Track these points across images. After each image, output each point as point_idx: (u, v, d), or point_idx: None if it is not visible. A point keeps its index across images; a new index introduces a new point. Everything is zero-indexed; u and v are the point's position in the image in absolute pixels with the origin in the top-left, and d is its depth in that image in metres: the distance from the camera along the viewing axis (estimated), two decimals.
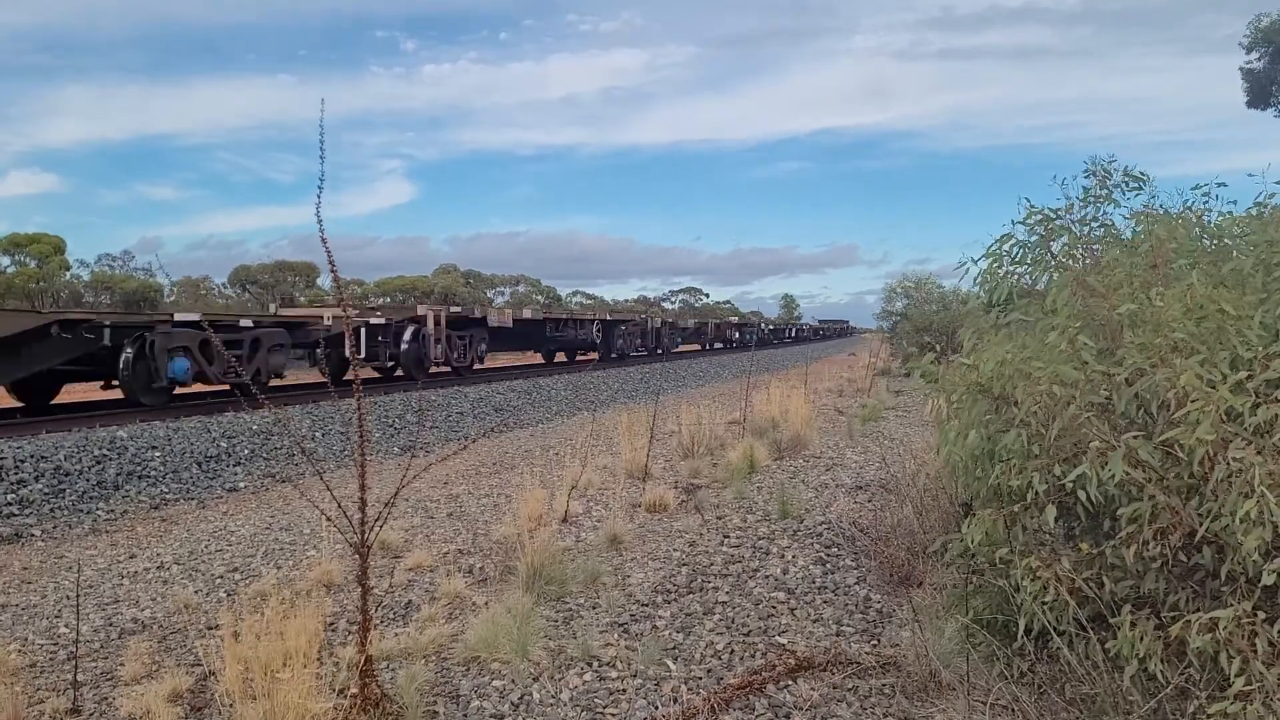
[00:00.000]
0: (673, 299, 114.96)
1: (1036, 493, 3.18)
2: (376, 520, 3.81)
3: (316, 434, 13.06)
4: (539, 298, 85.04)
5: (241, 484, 10.65)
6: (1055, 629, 3.30)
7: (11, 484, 8.96)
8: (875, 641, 4.55)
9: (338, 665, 4.36)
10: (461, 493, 9.55)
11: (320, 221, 3.16)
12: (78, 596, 4.40)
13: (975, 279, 4.16)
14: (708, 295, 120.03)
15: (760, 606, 5.09)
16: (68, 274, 54.84)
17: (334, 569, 6.22)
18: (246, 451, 11.58)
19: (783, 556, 6.09)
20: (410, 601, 5.64)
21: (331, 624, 5.18)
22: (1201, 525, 2.67)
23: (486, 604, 5.29)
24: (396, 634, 4.91)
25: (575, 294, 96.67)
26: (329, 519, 3.77)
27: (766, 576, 5.66)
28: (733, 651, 4.46)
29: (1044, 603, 3.21)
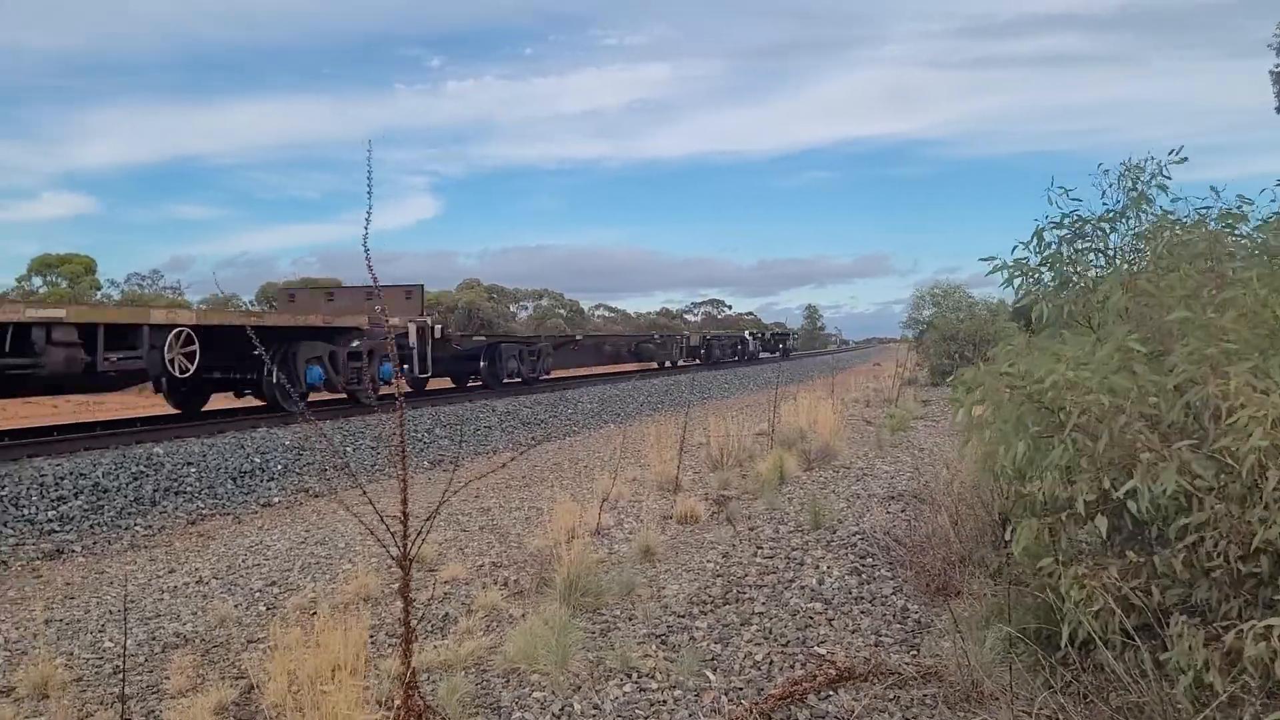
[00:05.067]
0: (695, 311, 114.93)
1: (1084, 503, 3.17)
2: (418, 534, 3.84)
3: (347, 448, 13.16)
4: (561, 311, 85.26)
5: (276, 498, 10.74)
6: (1101, 638, 3.28)
7: (52, 500, 9.09)
8: (915, 651, 4.54)
9: (379, 677, 4.40)
10: (492, 506, 9.59)
11: (368, 252, 3.20)
12: (124, 611, 4.46)
13: (1016, 287, 4.15)
14: (730, 307, 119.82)
15: (797, 617, 5.08)
16: (98, 293, 55.55)
17: (371, 582, 6.27)
18: (280, 466, 11.69)
19: (817, 567, 6.08)
20: (448, 614, 5.67)
21: (371, 637, 5.21)
22: (1258, 533, 2.66)
23: (523, 616, 5.32)
24: (435, 646, 4.94)
25: (598, 307, 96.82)
26: (372, 532, 3.80)
27: (802, 587, 5.65)
28: (772, 662, 4.45)
29: (1090, 612, 3.19)
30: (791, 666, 4.38)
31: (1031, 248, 4.12)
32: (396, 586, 6.43)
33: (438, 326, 19.49)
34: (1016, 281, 4.17)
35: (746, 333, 53.06)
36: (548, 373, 25.91)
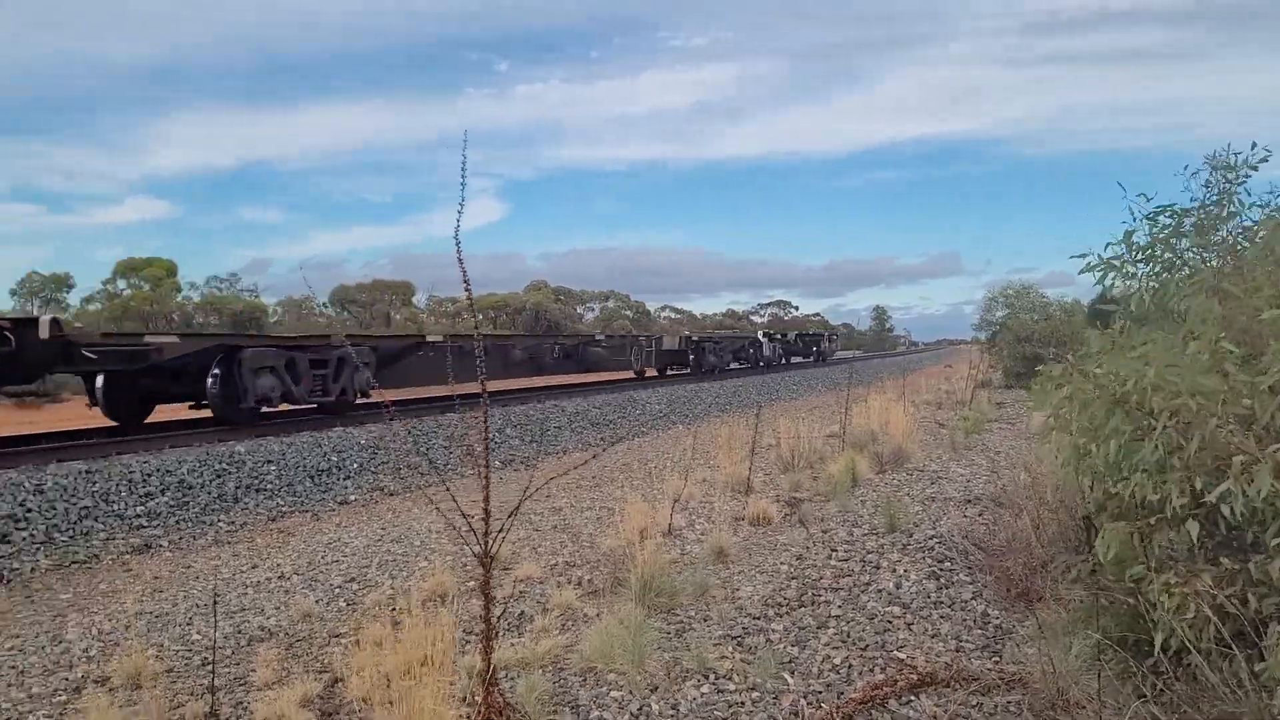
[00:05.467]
0: (761, 312, 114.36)
1: (1174, 507, 3.09)
2: (499, 532, 3.89)
3: (420, 448, 13.35)
4: (627, 313, 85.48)
5: (352, 497, 10.95)
6: (1195, 646, 3.19)
7: (140, 496, 9.38)
8: (997, 658, 4.46)
9: (458, 673, 4.46)
10: (563, 505, 9.65)
11: (462, 264, 3.24)
12: (214, 606, 4.58)
13: (1108, 285, 4.05)
14: (797, 308, 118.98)
15: (875, 621, 5.03)
16: (179, 296, 57.11)
17: (447, 580, 6.35)
18: (355, 465, 11.91)
19: (894, 571, 6.01)
20: (523, 612, 5.72)
21: (444, 635, 5.28)
22: None
23: (598, 615, 5.35)
24: (513, 644, 4.99)
25: (664, 309, 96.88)
26: (455, 529, 3.85)
27: (879, 591, 5.59)
28: (850, 666, 4.42)
29: (1184, 620, 3.10)
30: (871, 670, 4.34)
31: (1123, 246, 4.02)
32: (472, 584, 6.55)
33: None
34: (1109, 279, 4.07)
35: (760, 333, 42.20)
36: (364, 395, 16.26)
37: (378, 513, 10.27)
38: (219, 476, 10.32)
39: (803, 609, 5.35)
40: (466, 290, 3.41)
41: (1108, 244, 4.13)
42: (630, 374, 30.27)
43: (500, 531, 3.99)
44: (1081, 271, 4.09)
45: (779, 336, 43.27)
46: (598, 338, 29.15)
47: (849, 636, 4.82)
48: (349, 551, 8.06)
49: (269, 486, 10.59)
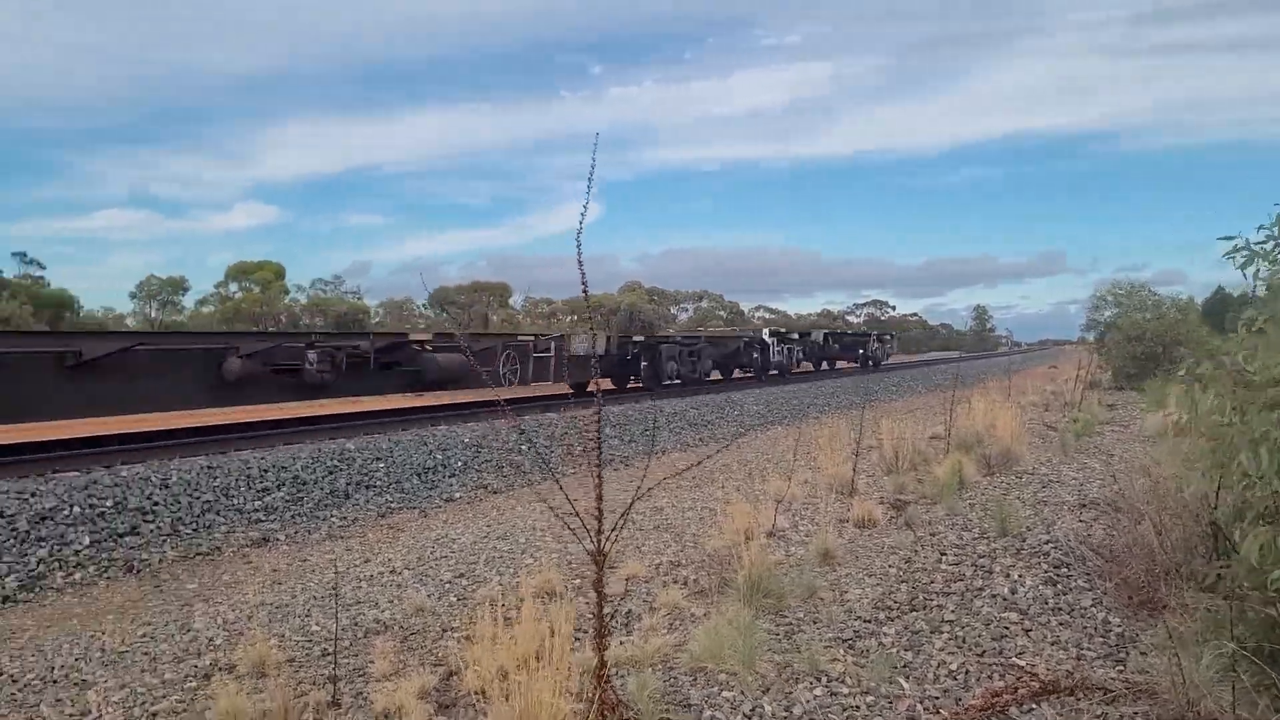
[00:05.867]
0: (857, 312, 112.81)
1: None
2: (613, 529, 3.92)
3: (522, 446, 13.55)
4: (721, 313, 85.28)
5: (458, 494, 11.18)
6: None
7: (257, 491, 9.74)
8: (1121, 666, 4.32)
9: (570, 670, 4.51)
10: (664, 505, 9.68)
11: (581, 262, 3.27)
12: (336, 600, 4.73)
13: (1253, 273, 3.88)
14: (894, 308, 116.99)
15: (991, 626, 4.92)
16: (287, 298, 59.00)
17: (554, 577, 6.43)
18: (460, 463, 12.16)
19: (1008, 575, 5.87)
20: (630, 611, 5.76)
21: (559, 630, 5.35)
22: None
23: (705, 615, 5.36)
24: (621, 642, 5.03)
25: (758, 309, 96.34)
26: (569, 527, 3.91)
27: (993, 596, 5.47)
28: (968, 672, 4.33)
29: None
30: (989, 677, 4.24)
31: (1276, 229, 3.83)
32: (578, 582, 6.62)
33: None
34: (1254, 267, 3.90)
35: (765, 332, 31.36)
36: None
37: (482, 510, 10.46)
38: (330, 473, 10.65)
39: (914, 613, 5.27)
40: (584, 290, 3.45)
41: (1259, 227, 3.94)
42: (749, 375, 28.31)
43: (614, 530, 4.03)
44: (1225, 255, 3.92)
45: (797, 336, 34.08)
46: (460, 341, 17.15)
47: (964, 642, 4.72)
48: (457, 548, 8.22)
49: (378, 483, 10.89)
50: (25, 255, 43.49)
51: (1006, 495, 8.68)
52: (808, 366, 35.17)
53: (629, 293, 74.90)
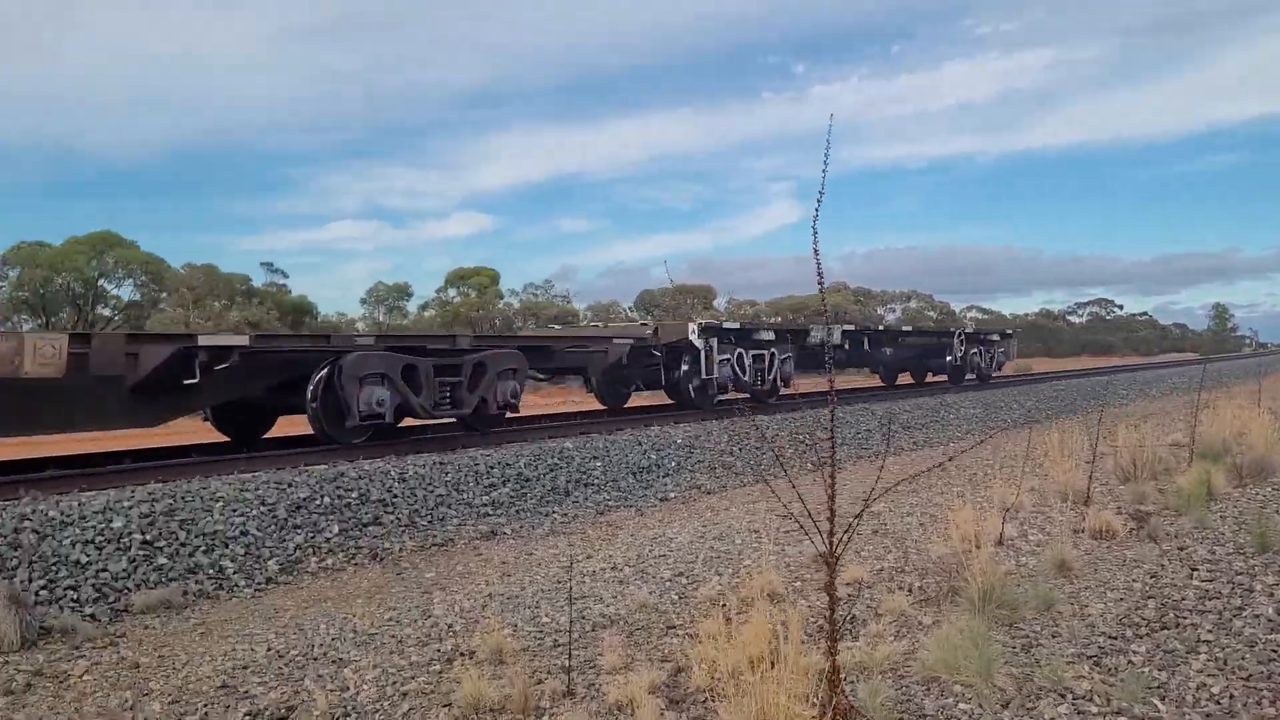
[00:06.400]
0: (1080, 312, 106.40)
1: None
2: (844, 533, 3.89)
3: (735, 448, 13.61)
4: (931, 314, 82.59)
5: (672, 494, 11.37)
6: None
7: (484, 487, 10.24)
8: None
9: (796, 672, 4.50)
10: (882, 510, 9.47)
11: (818, 257, 3.28)
12: (569, 591, 4.93)
13: None
14: (1121, 307, 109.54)
15: (1256, 649, 4.54)
16: (501, 302, 61.66)
17: (775, 579, 6.42)
18: (673, 463, 12.36)
19: (1272, 595, 5.40)
20: (854, 616, 5.68)
21: (783, 632, 5.35)
22: None
23: (935, 624, 5.21)
24: (848, 648, 4.96)
25: (970, 308, 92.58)
26: (801, 527, 3.91)
27: (1256, 616, 5.04)
28: (1232, 696, 4.01)
29: None
30: (1258, 703, 3.92)
31: None
32: (799, 585, 6.59)
33: None
34: None
35: (692, 328, 15.94)
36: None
37: (696, 510, 10.58)
38: (551, 471, 11.07)
39: (1165, 631, 4.93)
40: (819, 282, 3.44)
41: None
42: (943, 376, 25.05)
43: (846, 533, 4.00)
44: None
45: (771, 337, 18.21)
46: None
47: (1226, 664, 4.38)
48: (674, 547, 8.35)
49: (595, 481, 11.22)
50: (271, 265, 47.34)
51: (1264, 509, 7.99)
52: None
53: (834, 293, 73.75)
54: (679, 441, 13.17)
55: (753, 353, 17.31)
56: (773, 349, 17.82)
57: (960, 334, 25.62)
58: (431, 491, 9.87)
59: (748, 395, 17.73)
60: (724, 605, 6.03)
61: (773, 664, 4.15)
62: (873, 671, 4.60)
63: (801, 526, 3.89)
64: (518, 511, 10.03)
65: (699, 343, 15.80)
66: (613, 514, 10.39)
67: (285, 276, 47.47)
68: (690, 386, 16.05)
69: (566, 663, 4.96)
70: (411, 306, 60.15)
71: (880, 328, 24.48)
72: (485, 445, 11.87)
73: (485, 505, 9.96)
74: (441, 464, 10.48)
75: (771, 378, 17.77)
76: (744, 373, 16.99)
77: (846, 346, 20.59)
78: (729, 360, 16.46)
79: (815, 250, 3.39)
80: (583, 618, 6.16)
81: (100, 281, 39.40)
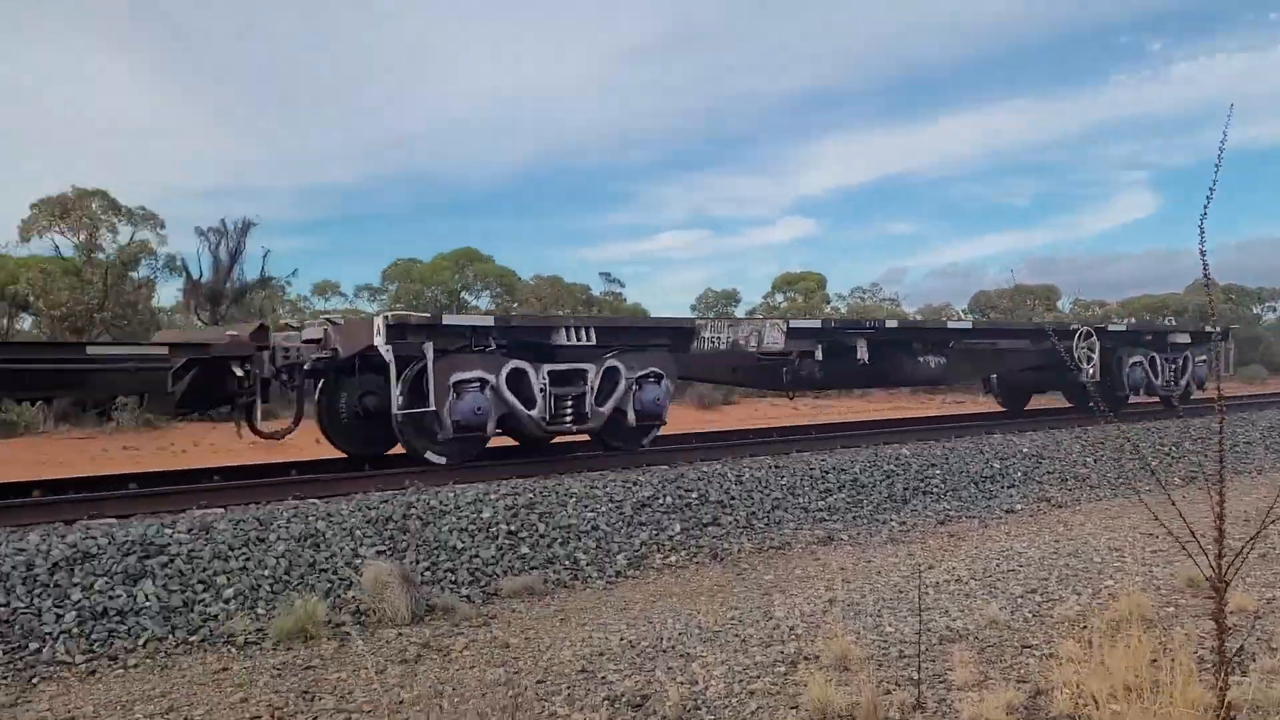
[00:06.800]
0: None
1: None
2: (1238, 554, 3.51)
3: (1088, 458, 12.67)
4: None
5: (1018, 506, 10.78)
6: None
7: (820, 492, 10.24)
8: None
9: (1178, 705, 4.11)
10: (1272, 533, 8.41)
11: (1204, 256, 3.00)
12: (919, 602, 4.81)
13: None
14: None
15: None
16: (828, 306, 61.26)
17: (1144, 601, 5.91)
18: (1019, 474, 11.71)
19: None
20: (1242, 647, 5.09)
21: (1153, 660, 4.91)
22: None
23: None
24: (1237, 683, 4.46)
25: None
26: (1181, 545, 3.57)
27: None
28: None
29: None
30: None
31: None
32: (1171, 610, 6.03)
33: None
34: None
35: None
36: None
37: (1046, 524, 9.95)
38: (888, 477, 10.85)
39: None
40: (1206, 279, 3.13)
41: None
42: None
43: (1238, 556, 3.61)
44: None
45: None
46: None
47: None
48: (1023, 562, 7.92)
49: (934, 490, 10.87)
50: (609, 275, 49.85)
51: None
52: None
53: (1198, 292, 66.33)
54: (1025, 450, 12.44)
55: (1162, 356, 16.57)
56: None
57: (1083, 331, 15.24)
58: (767, 494, 10.01)
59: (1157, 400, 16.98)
60: (1083, 626, 5.64)
61: (1150, 694, 3.83)
62: (1269, 712, 4.12)
63: (1183, 546, 3.55)
64: (854, 518, 9.93)
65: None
66: (954, 524, 10.00)
67: (621, 286, 49.85)
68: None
69: (915, 675, 4.84)
70: (739, 311, 61.27)
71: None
72: (818, 450, 11.85)
73: (821, 510, 9.95)
74: (776, 468, 10.59)
75: (1184, 381, 17.08)
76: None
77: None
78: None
79: (1202, 250, 3.09)
80: (928, 630, 5.98)
81: (462, 293, 43.63)
